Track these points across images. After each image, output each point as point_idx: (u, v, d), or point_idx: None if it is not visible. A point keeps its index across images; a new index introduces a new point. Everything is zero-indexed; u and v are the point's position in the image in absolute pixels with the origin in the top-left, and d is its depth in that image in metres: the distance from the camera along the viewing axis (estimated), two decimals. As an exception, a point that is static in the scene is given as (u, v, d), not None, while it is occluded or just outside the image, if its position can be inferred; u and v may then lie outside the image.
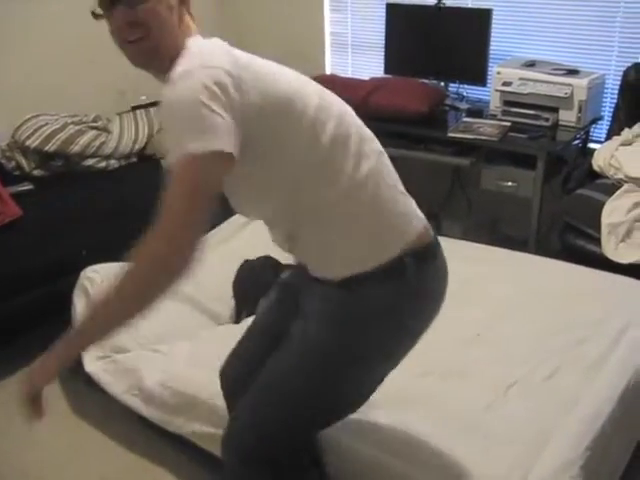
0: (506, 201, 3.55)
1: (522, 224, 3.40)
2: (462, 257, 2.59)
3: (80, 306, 2.73)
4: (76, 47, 4.05)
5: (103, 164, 3.68)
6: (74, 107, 3.86)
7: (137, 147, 3.81)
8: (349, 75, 4.41)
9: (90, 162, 3.64)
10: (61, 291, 2.81)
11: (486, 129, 3.38)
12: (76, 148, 3.57)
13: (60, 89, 3.96)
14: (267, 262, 2.88)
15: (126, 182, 3.55)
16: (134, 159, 3.84)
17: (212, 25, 4.78)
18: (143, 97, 4.40)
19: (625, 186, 2.99)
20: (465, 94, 3.93)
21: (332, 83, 3.96)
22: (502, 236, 3.28)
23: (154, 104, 4.25)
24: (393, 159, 1.61)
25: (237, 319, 2.80)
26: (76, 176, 3.58)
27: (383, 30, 4.00)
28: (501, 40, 3.78)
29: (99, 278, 2.72)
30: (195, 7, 1.57)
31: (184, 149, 1.31)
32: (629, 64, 3.37)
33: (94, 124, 3.78)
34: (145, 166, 3.78)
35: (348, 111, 1.60)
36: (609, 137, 3.36)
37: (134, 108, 4.24)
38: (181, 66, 1.37)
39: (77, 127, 3.67)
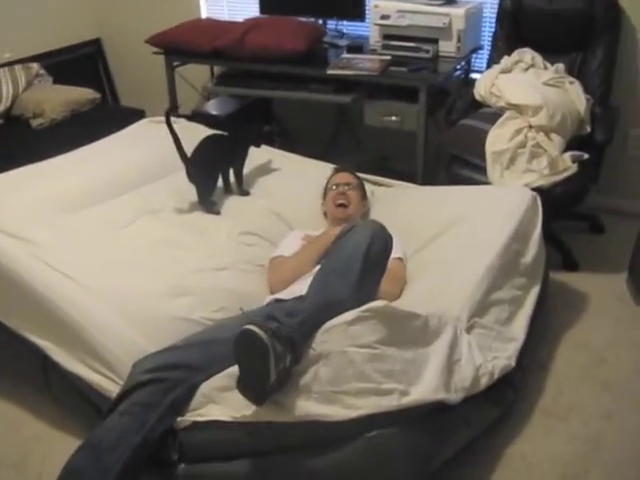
0: (392, 136, 3.51)
1: (409, 158, 3.38)
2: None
3: None
4: None
5: (-34, 128, 3.47)
6: None
7: (2, 108, 3.61)
8: (225, 18, 4.25)
9: (-49, 127, 3.42)
10: None
11: (366, 64, 3.31)
12: None
13: None
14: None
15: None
16: (0, 121, 3.62)
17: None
18: (7, 55, 4.15)
19: (507, 113, 3.00)
20: (345, 31, 3.84)
21: (207, 27, 3.85)
22: (391, 171, 3.25)
23: (20, 62, 4.01)
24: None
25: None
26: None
27: (256, -31, 3.86)
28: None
29: None
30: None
31: None
32: (503, -10, 3.36)
33: (-48, 86, 3.55)
34: (13, 127, 3.58)
35: None
36: (490, 66, 3.36)
37: (-3, 66, 3.99)
38: None
39: None
